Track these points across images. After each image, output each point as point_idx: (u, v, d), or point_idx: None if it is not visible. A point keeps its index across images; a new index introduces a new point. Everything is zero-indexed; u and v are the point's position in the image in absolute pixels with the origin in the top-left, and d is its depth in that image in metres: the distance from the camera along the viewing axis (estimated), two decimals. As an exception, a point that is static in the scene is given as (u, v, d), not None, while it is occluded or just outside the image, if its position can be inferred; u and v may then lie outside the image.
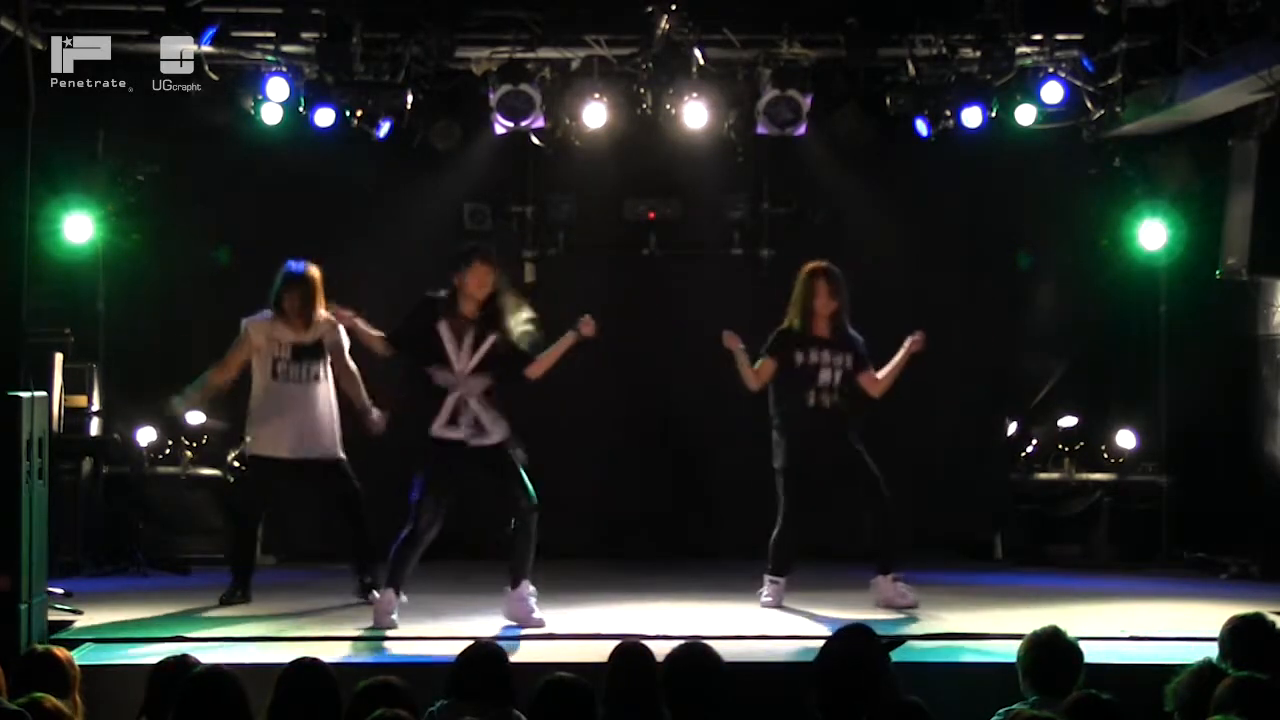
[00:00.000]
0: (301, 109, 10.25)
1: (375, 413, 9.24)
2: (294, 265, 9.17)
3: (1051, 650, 5.32)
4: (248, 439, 9.31)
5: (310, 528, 11.28)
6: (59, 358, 10.42)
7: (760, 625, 8.35)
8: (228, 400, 11.25)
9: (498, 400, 8.47)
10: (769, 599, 9.03)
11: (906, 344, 9.10)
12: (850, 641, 5.15)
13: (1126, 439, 11.43)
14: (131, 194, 11.04)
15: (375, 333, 8.63)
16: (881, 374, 9.15)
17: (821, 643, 5.15)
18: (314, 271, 9.16)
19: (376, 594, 8.48)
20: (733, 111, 10.53)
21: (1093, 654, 5.62)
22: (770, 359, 9.08)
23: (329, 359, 9.18)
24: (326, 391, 9.20)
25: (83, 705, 5.46)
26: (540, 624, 8.25)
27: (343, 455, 9.23)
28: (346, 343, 9.16)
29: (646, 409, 11.47)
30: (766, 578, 9.08)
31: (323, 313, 9.11)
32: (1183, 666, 5.09)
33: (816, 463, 8.98)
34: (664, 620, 8.34)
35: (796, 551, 9.10)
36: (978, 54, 10.10)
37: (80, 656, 6.30)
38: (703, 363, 11.03)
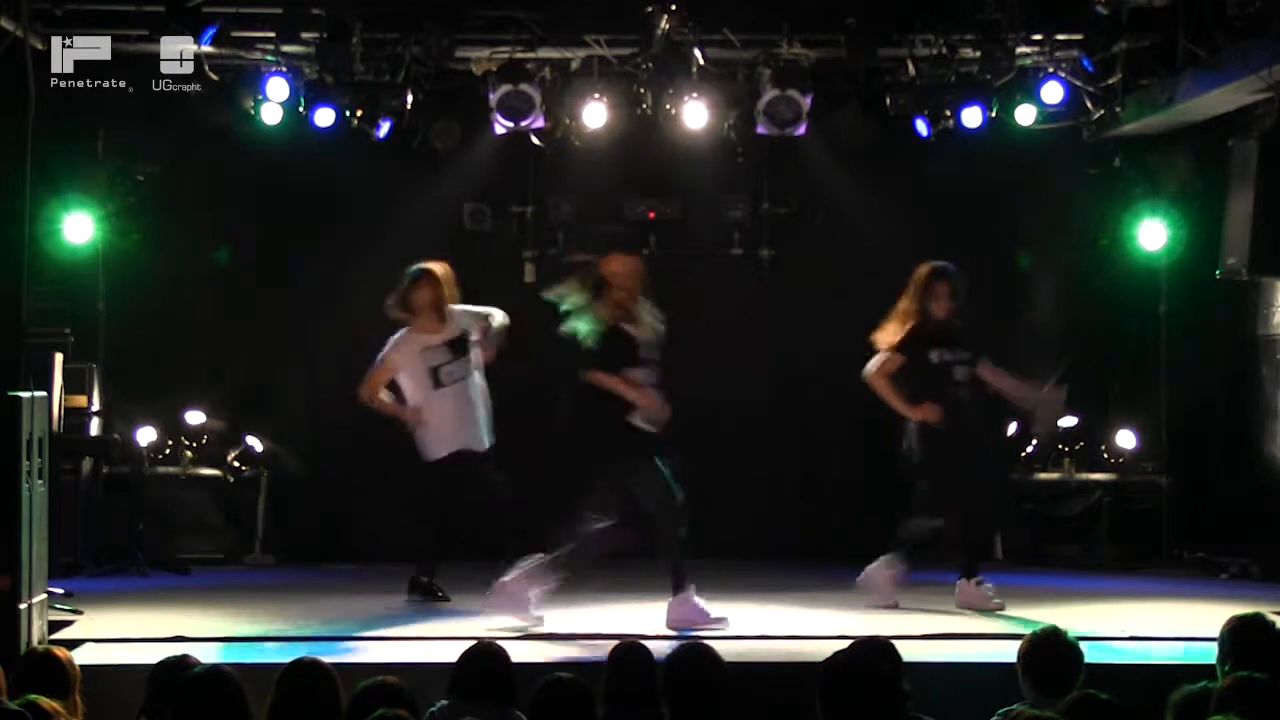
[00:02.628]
0: (301, 109, 10.25)
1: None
2: (416, 267, 9.18)
3: (1051, 650, 5.32)
4: (427, 448, 9.15)
5: (310, 528, 11.31)
6: (59, 358, 10.42)
7: (760, 625, 8.34)
8: (228, 400, 11.31)
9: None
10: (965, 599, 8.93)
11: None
12: (865, 653, 5.15)
13: (1126, 439, 11.43)
14: (131, 194, 11.05)
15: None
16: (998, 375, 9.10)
17: (822, 643, 5.15)
18: (439, 268, 9.17)
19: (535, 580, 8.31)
20: (733, 111, 10.53)
21: (1093, 654, 5.62)
22: (899, 355, 8.95)
23: (476, 349, 9.18)
24: (482, 381, 9.19)
25: (83, 705, 5.46)
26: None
27: (489, 443, 9.21)
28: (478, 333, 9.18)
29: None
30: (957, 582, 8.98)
31: (454, 306, 9.15)
32: (1183, 667, 5.09)
33: (953, 459, 8.91)
34: (664, 620, 8.33)
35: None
36: (978, 54, 10.10)
37: (80, 656, 6.29)
38: (703, 362, 11.05)
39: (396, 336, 9.17)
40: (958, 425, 8.88)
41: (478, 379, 9.21)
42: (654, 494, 8.15)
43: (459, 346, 9.16)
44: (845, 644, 5.51)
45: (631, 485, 8.19)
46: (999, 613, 8.72)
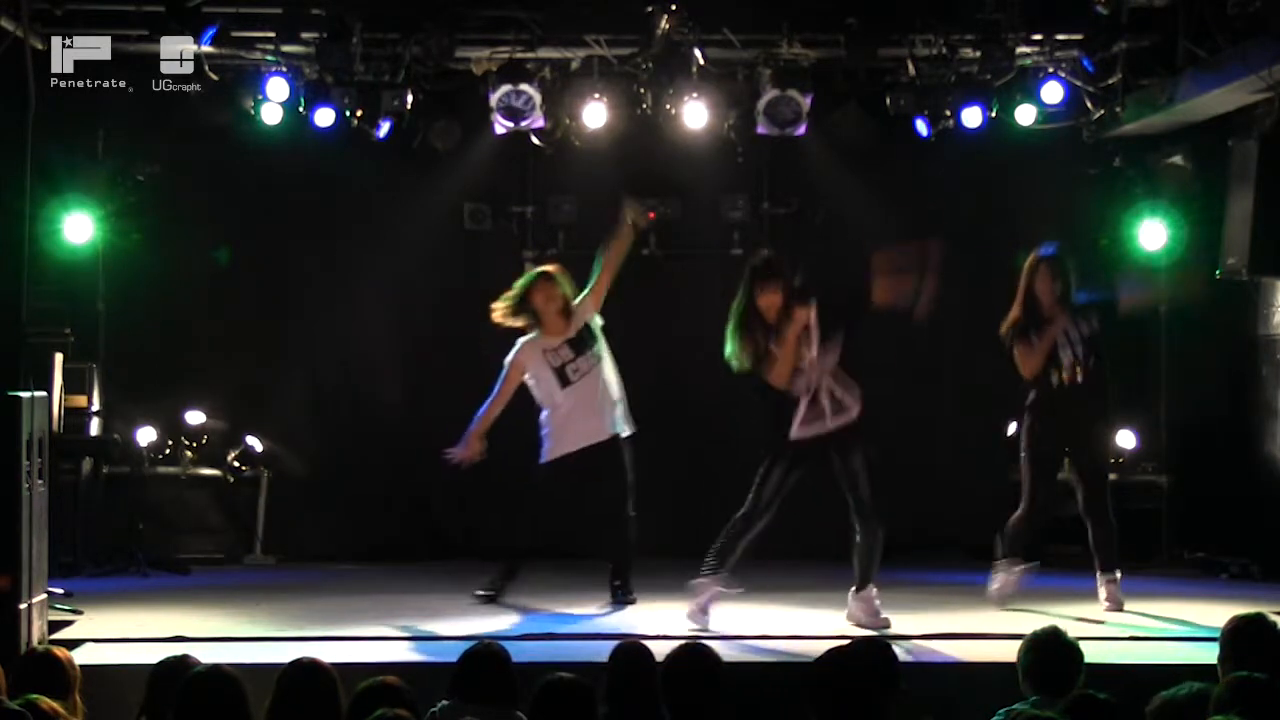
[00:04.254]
0: (301, 109, 10.25)
1: None
2: (539, 270, 9.18)
3: (1051, 650, 5.32)
4: (548, 450, 9.08)
5: (310, 528, 11.30)
6: (59, 358, 10.43)
7: (760, 625, 8.34)
8: (228, 400, 11.31)
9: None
10: (996, 587, 8.90)
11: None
12: (861, 653, 5.15)
13: (1126, 439, 11.42)
14: (131, 194, 11.03)
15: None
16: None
17: (822, 643, 5.16)
18: (553, 269, 9.17)
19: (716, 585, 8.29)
20: (733, 111, 10.53)
21: (1093, 654, 5.62)
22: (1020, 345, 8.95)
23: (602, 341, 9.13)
24: (610, 368, 9.15)
25: (83, 705, 5.47)
26: None
27: (622, 431, 9.12)
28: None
29: (646, 409, 11.44)
30: (995, 564, 8.92)
31: (575, 302, 9.10)
32: (1183, 667, 5.09)
33: (1056, 443, 8.96)
34: (664, 620, 8.34)
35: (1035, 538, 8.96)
36: (978, 54, 10.10)
37: (80, 656, 6.30)
38: (703, 362, 11.04)
39: (517, 346, 9.09)
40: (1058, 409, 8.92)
41: (606, 370, 9.12)
42: None
43: (583, 342, 9.09)
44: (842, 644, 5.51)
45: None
46: (999, 613, 8.71)
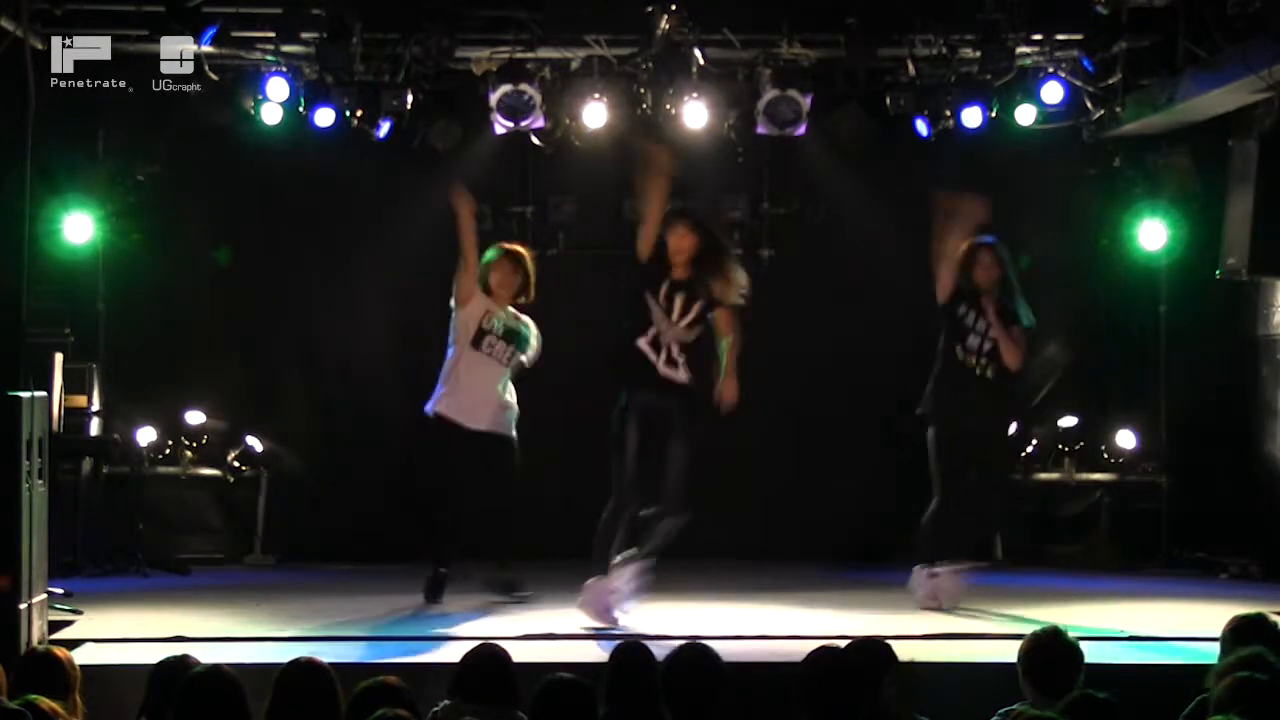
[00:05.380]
0: (301, 109, 10.25)
1: None
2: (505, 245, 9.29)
3: (1051, 650, 5.31)
4: (435, 404, 9.17)
5: (310, 528, 11.30)
6: (59, 358, 10.42)
7: (760, 625, 8.35)
8: (228, 400, 11.31)
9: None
10: (924, 594, 8.78)
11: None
12: (852, 653, 5.15)
13: (1126, 439, 11.43)
14: (131, 194, 11.03)
15: None
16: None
17: (822, 644, 5.16)
18: (522, 250, 9.28)
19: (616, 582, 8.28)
20: (733, 111, 10.54)
21: (1093, 654, 5.62)
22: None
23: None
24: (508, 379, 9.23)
25: (83, 705, 5.46)
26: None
27: (513, 435, 9.19)
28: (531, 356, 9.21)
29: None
30: (915, 569, 8.85)
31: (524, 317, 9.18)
32: (1182, 667, 5.10)
33: (961, 427, 8.89)
34: (664, 620, 8.33)
35: (956, 536, 8.87)
36: (978, 54, 10.11)
37: (80, 656, 6.29)
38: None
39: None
40: (960, 389, 8.94)
41: (508, 379, 9.19)
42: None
43: (513, 335, 9.17)
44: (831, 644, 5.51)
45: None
46: (999, 613, 8.71)
